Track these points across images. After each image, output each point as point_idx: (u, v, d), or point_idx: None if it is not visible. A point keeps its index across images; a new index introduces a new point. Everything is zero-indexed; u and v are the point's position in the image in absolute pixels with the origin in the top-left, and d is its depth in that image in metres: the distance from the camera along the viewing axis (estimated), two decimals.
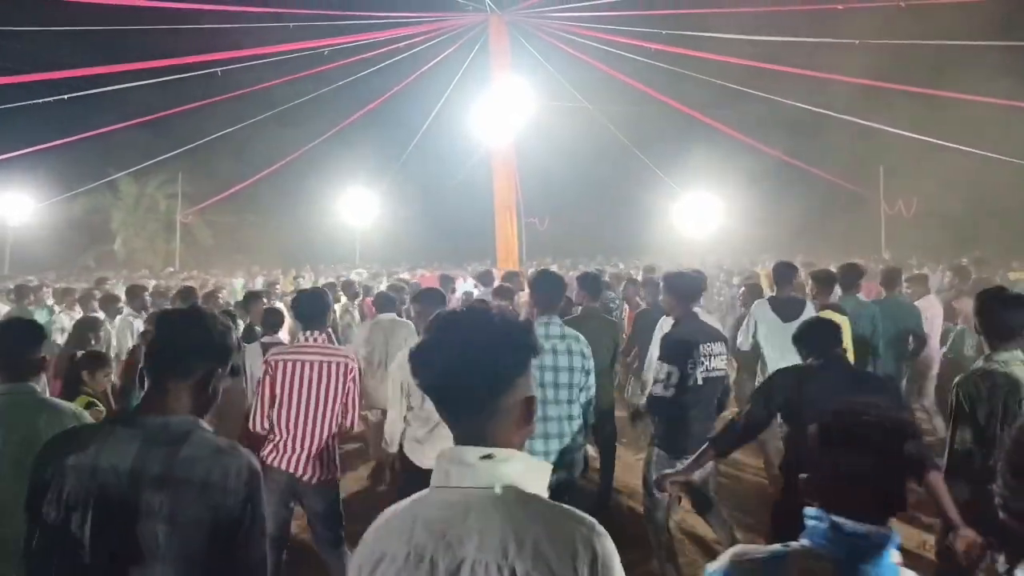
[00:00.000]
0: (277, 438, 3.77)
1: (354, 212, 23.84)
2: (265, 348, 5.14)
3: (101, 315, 7.62)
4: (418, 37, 16.45)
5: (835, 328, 3.68)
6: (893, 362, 6.22)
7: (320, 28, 15.74)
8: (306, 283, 16.19)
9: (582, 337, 4.04)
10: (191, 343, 1.83)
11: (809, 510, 1.58)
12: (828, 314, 5.02)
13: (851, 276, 6.27)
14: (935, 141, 16.06)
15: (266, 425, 3.79)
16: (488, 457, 1.34)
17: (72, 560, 1.67)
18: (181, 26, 14.65)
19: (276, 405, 3.80)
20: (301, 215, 31.68)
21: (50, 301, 9.96)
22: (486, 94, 15.24)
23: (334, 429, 3.86)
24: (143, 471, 1.69)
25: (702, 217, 20.42)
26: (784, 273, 5.96)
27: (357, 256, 27.26)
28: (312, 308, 4.09)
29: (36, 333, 2.81)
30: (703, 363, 4.07)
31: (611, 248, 30.00)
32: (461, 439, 1.37)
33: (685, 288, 4.25)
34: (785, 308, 5.66)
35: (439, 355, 1.36)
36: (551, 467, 1.44)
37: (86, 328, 5.86)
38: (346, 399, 3.90)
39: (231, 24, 14.94)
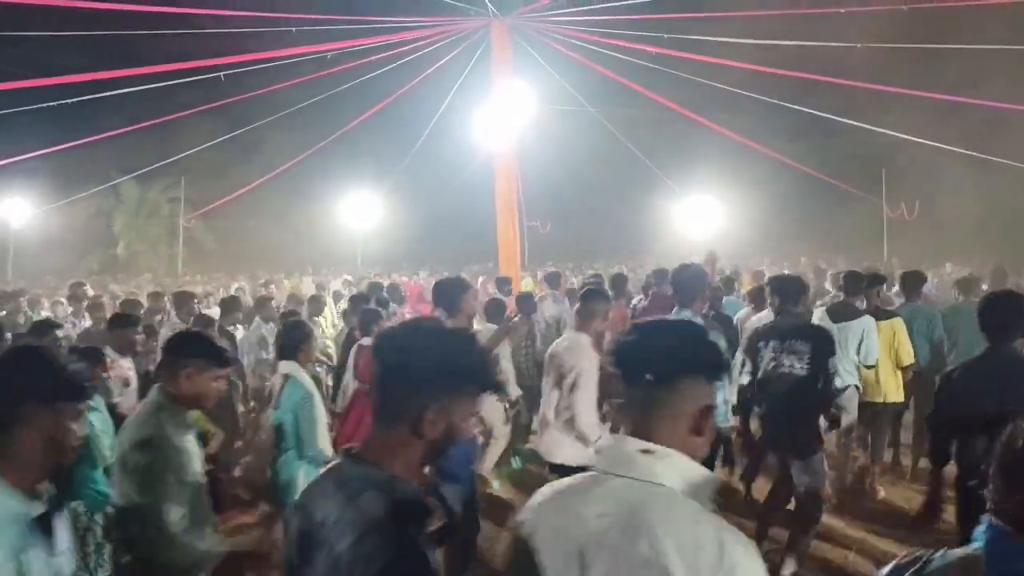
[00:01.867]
0: None
1: (356, 216, 23.86)
2: None
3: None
4: (420, 41, 16.45)
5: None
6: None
7: (323, 32, 15.77)
8: (306, 288, 16.17)
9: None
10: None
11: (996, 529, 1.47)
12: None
13: (914, 281, 6.65)
14: (938, 145, 16.03)
15: None
16: (647, 452, 1.41)
17: None
18: (185, 31, 14.69)
19: None
20: (304, 219, 31.70)
21: (26, 308, 9.84)
22: (488, 98, 15.24)
23: None
24: None
25: (704, 220, 20.41)
26: (851, 281, 6.14)
27: (359, 260, 27.26)
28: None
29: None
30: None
31: (613, 251, 30.00)
32: (629, 431, 1.47)
33: (791, 289, 4.76)
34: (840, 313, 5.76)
35: (635, 338, 1.51)
36: (715, 478, 1.51)
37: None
38: None
39: (235, 29, 14.98)
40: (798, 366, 4.41)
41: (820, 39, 14.97)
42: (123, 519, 2.83)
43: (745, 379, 4.92)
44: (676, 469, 1.41)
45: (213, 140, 18.80)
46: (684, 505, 1.37)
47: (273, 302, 9.05)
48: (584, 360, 4.13)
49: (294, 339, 4.21)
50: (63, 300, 9.84)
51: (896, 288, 7.81)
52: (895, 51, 15.84)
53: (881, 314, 5.86)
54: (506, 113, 14.66)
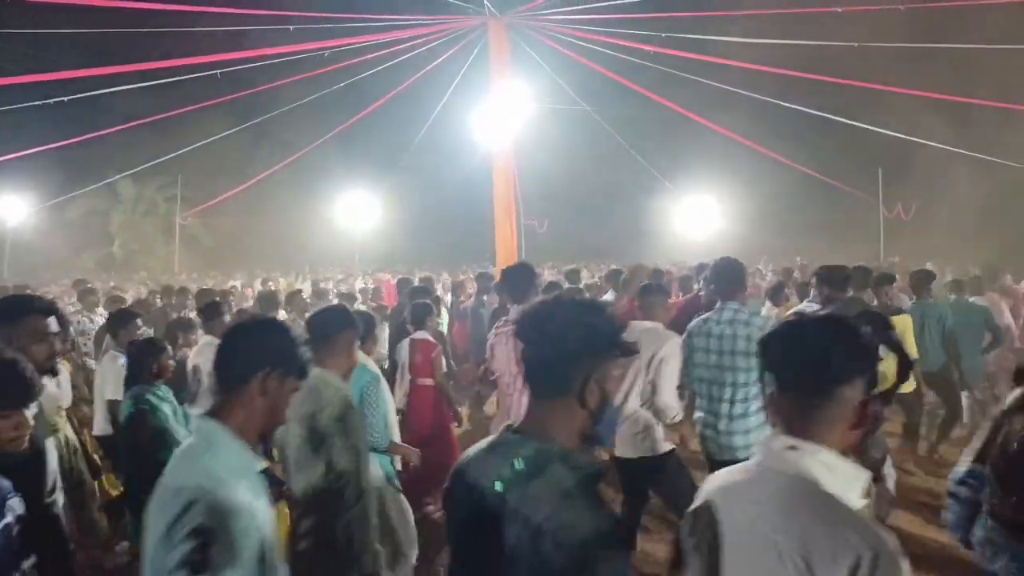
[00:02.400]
0: None
1: (354, 215, 23.83)
2: None
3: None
4: (417, 40, 16.44)
5: None
6: (972, 358, 6.79)
7: (321, 31, 15.75)
8: (303, 286, 16.14)
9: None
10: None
11: None
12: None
13: (925, 279, 6.88)
14: (935, 144, 16.08)
15: None
16: (793, 448, 1.48)
17: None
18: (181, 29, 14.65)
19: None
20: (301, 217, 31.67)
21: None
22: (485, 97, 15.25)
23: None
24: None
25: (700, 219, 20.46)
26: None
27: (356, 258, 27.25)
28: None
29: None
30: None
31: (609, 250, 30.04)
32: (784, 428, 1.53)
33: (838, 276, 4.96)
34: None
35: (792, 339, 1.55)
36: (867, 474, 1.54)
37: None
38: None
39: (231, 27, 14.95)
40: None
41: (817, 38, 15.00)
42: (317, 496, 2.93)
43: None
44: (825, 465, 1.46)
45: (210, 138, 18.77)
46: (828, 504, 1.43)
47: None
48: (666, 345, 4.25)
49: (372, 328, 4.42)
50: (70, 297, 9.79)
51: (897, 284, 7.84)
52: (892, 50, 15.87)
53: (891, 311, 5.91)
54: (504, 112, 14.67)
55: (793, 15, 15.82)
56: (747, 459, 1.63)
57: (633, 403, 4.26)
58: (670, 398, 4.19)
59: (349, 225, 24.72)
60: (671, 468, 4.27)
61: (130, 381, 4.07)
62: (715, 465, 3.85)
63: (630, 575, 1.46)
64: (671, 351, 4.22)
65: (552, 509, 1.40)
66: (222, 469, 1.70)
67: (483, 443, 1.66)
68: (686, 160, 23.83)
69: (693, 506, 1.65)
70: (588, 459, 1.54)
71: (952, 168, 20.08)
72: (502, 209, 15.16)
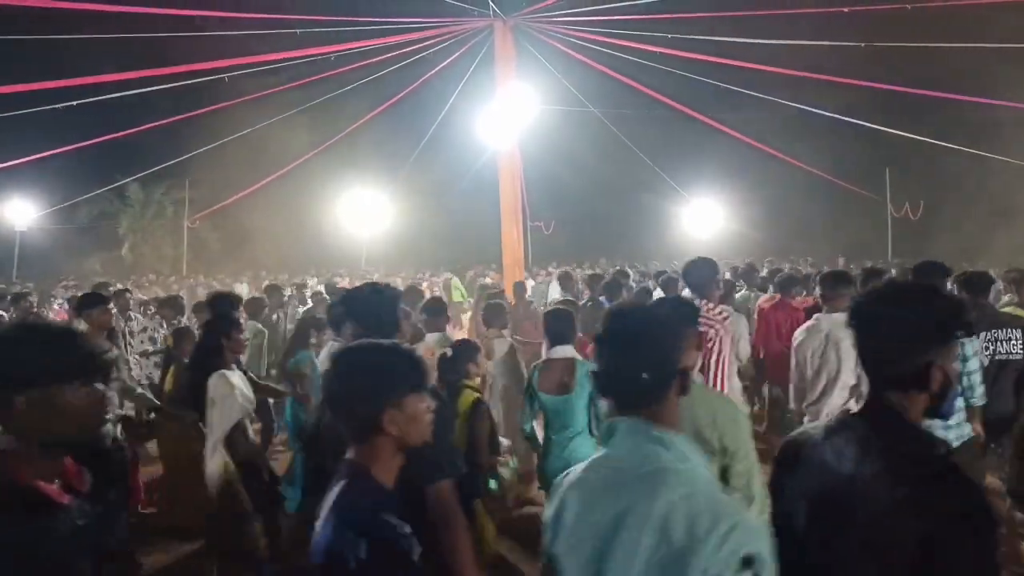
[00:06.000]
0: None
1: (360, 218, 23.83)
2: None
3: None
4: (423, 43, 16.47)
5: None
6: None
7: (328, 34, 15.79)
8: (313, 287, 16.18)
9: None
10: None
11: None
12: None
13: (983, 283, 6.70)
14: (943, 144, 16.00)
15: None
16: None
17: None
18: (189, 34, 14.72)
19: None
20: (309, 220, 31.73)
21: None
22: (492, 99, 15.25)
23: None
24: None
25: (708, 221, 20.41)
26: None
27: (363, 261, 27.30)
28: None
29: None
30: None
31: (616, 252, 30.00)
32: None
33: (980, 283, 5.02)
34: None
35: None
36: None
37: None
38: None
39: (239, 31, 15.01)
40: (1015, 351, 4.75)
41: (823, 38, 14.95)
42: None
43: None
44: None
45: (218, 141, 18.84)
46: None
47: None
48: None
49: (565, 328, 4.43)
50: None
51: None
52: (900, 50, 15.80)
53: None
54: (510, 114, 14.67)
55: (798, 16, 15.78)
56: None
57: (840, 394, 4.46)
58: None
59: (356, 228, 24.75)
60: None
61: None
62: None
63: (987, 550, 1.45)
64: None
65: (911, 489, 1.44)
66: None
67: (816, 426, 1.74)
68: (693, 161, 23.78)
69: None
70: (939, 439, 1.58)
71: (960, 167, 19.97)
72: (508, 211, 15.16)
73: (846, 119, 16.63)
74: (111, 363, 1.83)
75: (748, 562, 1.36)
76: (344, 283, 15.70)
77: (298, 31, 15.00)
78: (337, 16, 15.40)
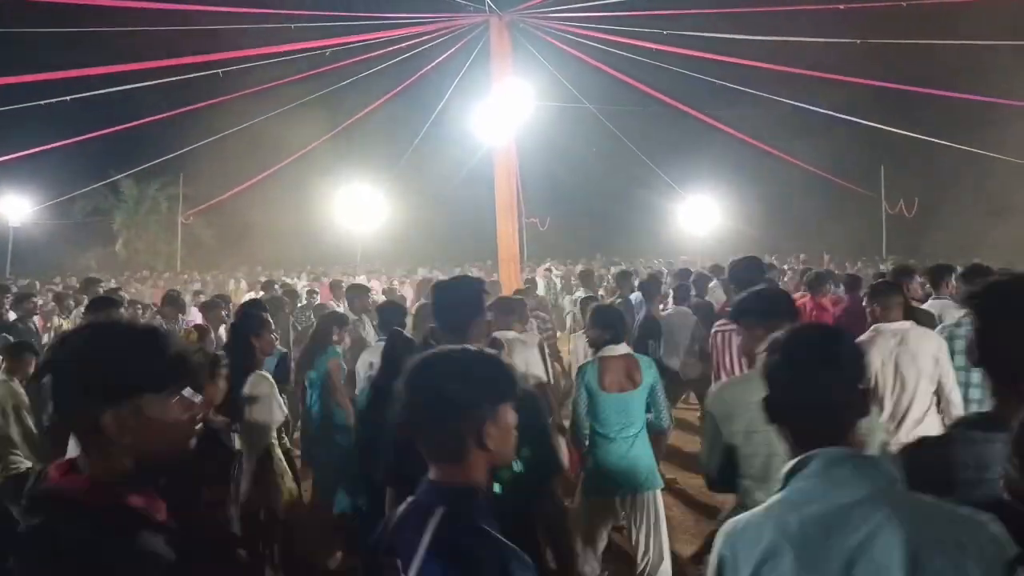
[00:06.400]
0: None
1: (355, 214, 23.78)
2: None
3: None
4: (418, 39, 16.42)
5: None
6: None
7: (322, 28, 15.72)
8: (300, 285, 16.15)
9: None
10: None
11: None
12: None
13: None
14: (938, 141, 16.03)
15: None
16: None
17: None
18: (183, 27, 14.65)
19: None
20: (303, 216, 31.64)
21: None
22: (487, 95, 15.22)
23: None
24: None
25: (702, 217, 20.42)
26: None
27: (359, 257, 27.26)
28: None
29: None
30: None
31: (611, 248, 30.02)
32: None
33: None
34: None
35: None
36: None
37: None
38: None
39: (233, 25, 14.94)
40: None
41: (819, 35, 14.95)
42: None
43: None
44: None
45: (212, 137, 18.76)
46: None
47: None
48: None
49: (620, 325, 4.48)
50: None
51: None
52: (896, 47, 15.80)
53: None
54: (505, 110, 14.64)
55: (794, 12, 15.76)
56: None
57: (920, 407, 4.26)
58: (955, 394, 4.22)
59: (351, 224, 24.69)
60: None
61: None
62: None
63: None
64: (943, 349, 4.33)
65: None
66: None
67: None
68: (688, 157, 23.79)
69: None
70: None
71: (956, 165, 20.02)
72: (504, 207, 15.14)
73: (842, 116, 16.64)
74: (202, 367, 1.64)
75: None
76: (376, 284, 15.63)
77: (292, 26, 14.94)
78: (332, 11, 15.35)
